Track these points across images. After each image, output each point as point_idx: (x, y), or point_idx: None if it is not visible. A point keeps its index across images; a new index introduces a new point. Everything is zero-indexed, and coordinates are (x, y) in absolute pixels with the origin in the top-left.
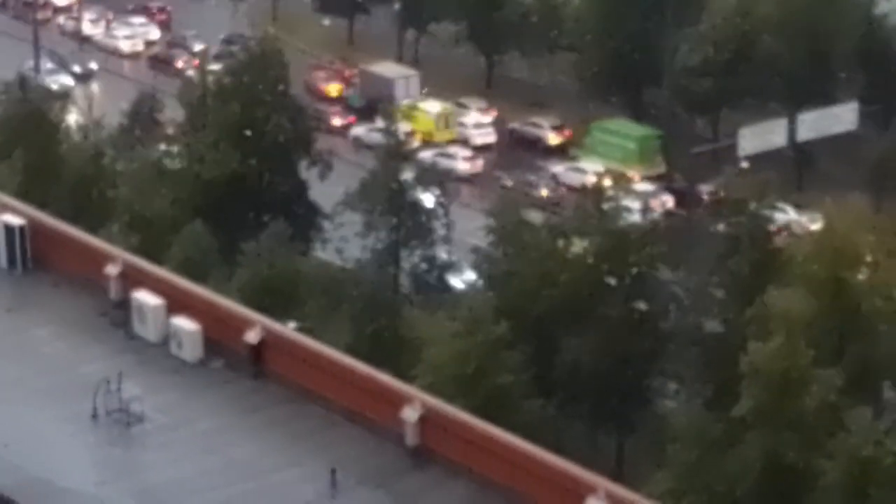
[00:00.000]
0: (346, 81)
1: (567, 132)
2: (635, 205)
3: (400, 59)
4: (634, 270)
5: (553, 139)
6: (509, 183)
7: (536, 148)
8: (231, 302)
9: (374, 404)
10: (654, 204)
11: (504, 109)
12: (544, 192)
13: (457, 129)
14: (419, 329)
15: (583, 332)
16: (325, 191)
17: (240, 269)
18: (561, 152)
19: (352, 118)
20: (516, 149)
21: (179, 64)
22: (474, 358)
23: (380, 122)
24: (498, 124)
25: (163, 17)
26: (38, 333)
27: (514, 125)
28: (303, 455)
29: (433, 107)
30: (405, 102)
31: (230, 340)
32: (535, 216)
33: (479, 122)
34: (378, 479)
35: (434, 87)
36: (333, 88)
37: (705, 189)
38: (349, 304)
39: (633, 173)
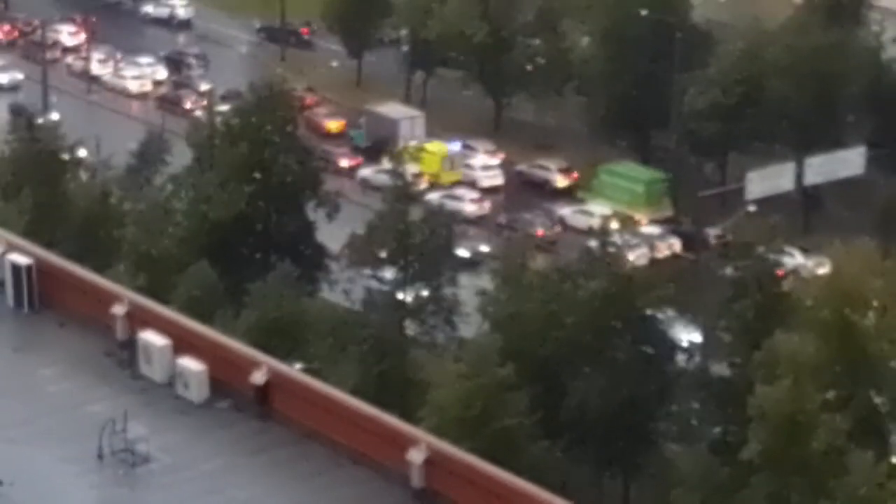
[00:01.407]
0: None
1: (574, 175)
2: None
3: (407, 101)
4: (641, 313)
5: (560, 181)
6: (504, 221)
7: (544, 190)
8: (237, 342)
9: (379, 446)
10: (662, 247)
11: (512, 152)
12: (540, 231)
13: (463, 170)
14: (425, 371)
15: (589, 375)
16: (333, 232)
17: (246, 310)
18: (568, 195)
19: (359, 159)
20: (523, 191)
21: (187, 104)
22: (480, 400)
23: (386, 164)
24: (505, 166)
25: (86, 28)
26: (44, 373)
27: (522, 167)
28: (308, 496)
29: (440, 148)
30: (412, 143)
31: (236, 381)
32: (542, 258)
33: (486, 165)
34: None
35: (442, 128)
36: (334, 125)
37: (713, 232)
38: (355, 346)
39: (641, 216)
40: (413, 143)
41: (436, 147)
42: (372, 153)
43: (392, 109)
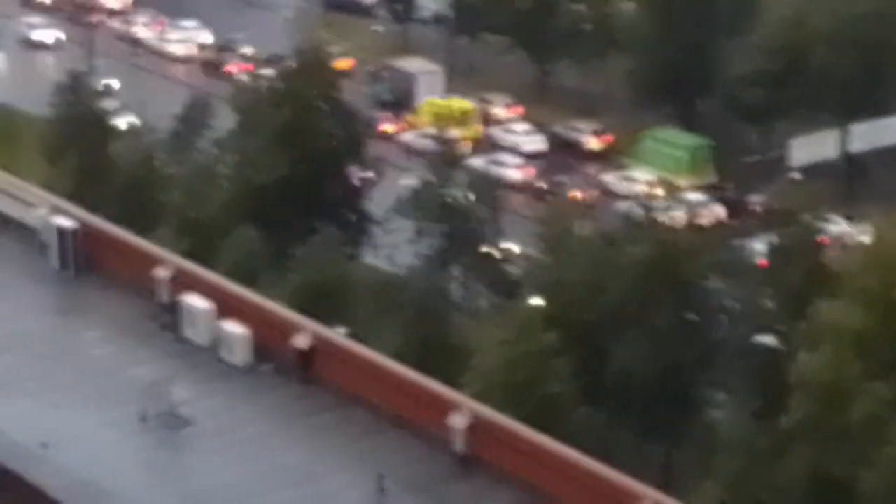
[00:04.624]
0: None
1: (607, 137)
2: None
3: (451, 66)
4: (685, 280)
5: (593, 143)
6: (542, 185)
7: (576, 152)
8: (280, 307)
9: (422, 411)
10: (705, 214)
11: (554, 117)
12: (577, 195)
13: (481, 126)
14: (468, 336)
15: (632, 341)
16: (377, 196)
17: (290, 274)
18: (602, 157)
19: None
20: (561, 155)
21: (230, 68)
22: (523, 366)
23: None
24: (530, 124)
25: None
26: (88, 336)
27: (556, 129)
28: (350, 461)
29: (457, 103)
30: (428, 99)
31: (279, 345)
32: (584, 224)
33: (529, 130)
34: (425, 485)
35: (486, 92)
36: (339, 64)
37: (756, 199)
38: (398, 311)
39: (684, 182)
40: (431, 97)
41: (455, 103)
42: (395, 108)
43: (411, 64)
